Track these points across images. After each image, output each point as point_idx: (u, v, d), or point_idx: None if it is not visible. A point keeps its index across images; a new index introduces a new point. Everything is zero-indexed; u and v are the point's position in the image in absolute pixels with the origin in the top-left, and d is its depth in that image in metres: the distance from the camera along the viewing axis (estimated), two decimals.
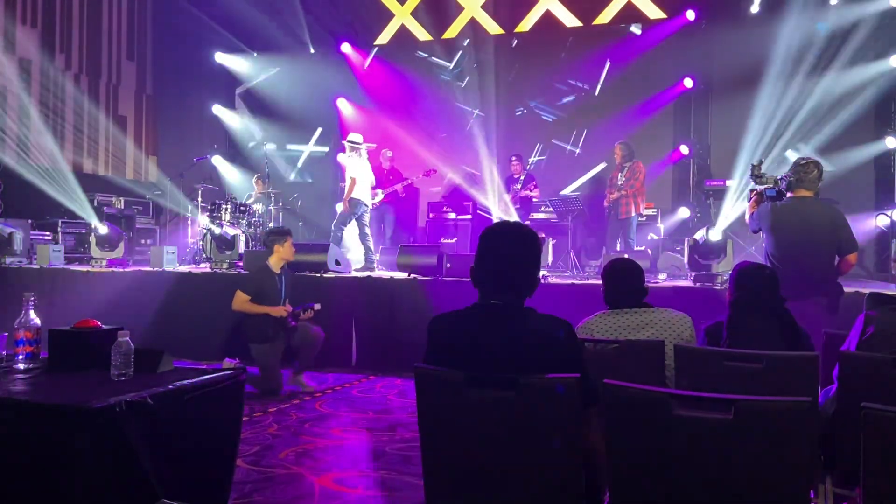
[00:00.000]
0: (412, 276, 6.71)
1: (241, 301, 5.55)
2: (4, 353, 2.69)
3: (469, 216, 9.69)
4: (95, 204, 8.84)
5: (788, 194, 4.39)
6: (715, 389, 1.91)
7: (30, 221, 8.50)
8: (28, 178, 8.83)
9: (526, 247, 2.13)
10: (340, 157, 8.89)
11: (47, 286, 7.21)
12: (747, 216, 4.69)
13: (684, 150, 9.69)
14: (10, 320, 2.69)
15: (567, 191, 9.90)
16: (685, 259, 6.82)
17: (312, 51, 11.44)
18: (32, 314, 2.64)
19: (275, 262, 5.73)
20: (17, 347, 2.63)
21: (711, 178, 9.19)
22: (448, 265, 6.69)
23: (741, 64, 8.99)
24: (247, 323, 5.63)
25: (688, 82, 9.56)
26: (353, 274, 7.29)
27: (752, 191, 4.74)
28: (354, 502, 3.37)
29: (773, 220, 4.32)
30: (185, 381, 2.46)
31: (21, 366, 2.61)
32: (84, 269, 7.66)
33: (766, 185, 4.61)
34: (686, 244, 6.80)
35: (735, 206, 7.44)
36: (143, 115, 11.29)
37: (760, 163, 4.76)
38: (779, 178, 4.56)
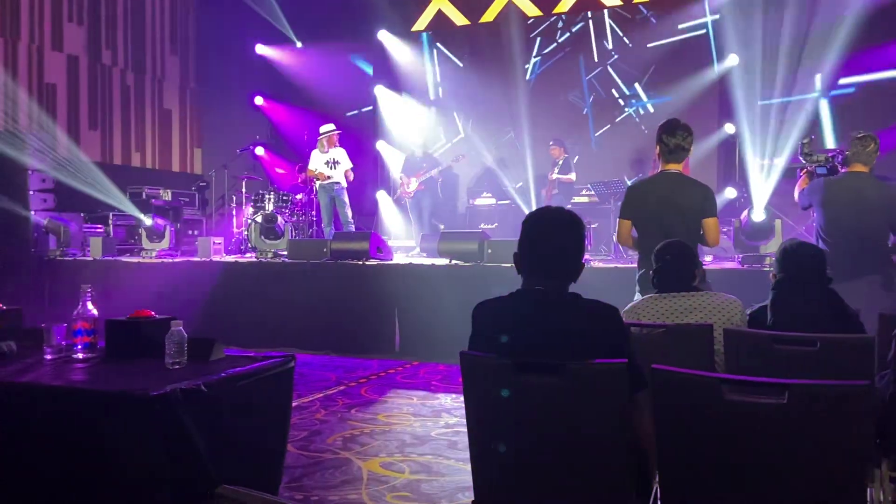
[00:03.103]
0: (453, 262, 6.72)
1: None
2: (64, 343, 2.78)
3: (508, 201, 9.65)
4: (144, 196, 9.03)
5: (843, 169, 4.27)
6: (766, 374, 1.88)
7: (82, 215, 8.73)
8: (79, 173, 9.06)
9: (571, 232, 2.12)
10: (339, 149, 8.91)
11: (100, 277, 7.42)
12: (796, 194, 4.57)
13: (730, 128, 9.45)
14: (68, 311, 2.79)
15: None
16: (732, 240, 6.67)
17: (349, 39, 11.45)
18: (90, 305, 2.72)
19: None
20: (76, 338, 2.72)
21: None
22: (489, 251, 6.67)
23: (784, 39, 8.72)
24: None
25: (733, 59, 9.30)
26: (395, 261, 7.34)
27: (801, 169, 4.62)
28: (401, 486, 3.41)
29: (825, 195, 4.21)
30: (238, 369, 2.52)
31: (80, 355, 2.71)
32: (135, 260, 7.86)
33: (816, 163, 4.50)
34: (733, 225, 6.65)
35: (766, 183, 7.18)
36: (188, 108, 11.50)
37: (811, 140, 4.63)
38: (830, 154, 4.45)
